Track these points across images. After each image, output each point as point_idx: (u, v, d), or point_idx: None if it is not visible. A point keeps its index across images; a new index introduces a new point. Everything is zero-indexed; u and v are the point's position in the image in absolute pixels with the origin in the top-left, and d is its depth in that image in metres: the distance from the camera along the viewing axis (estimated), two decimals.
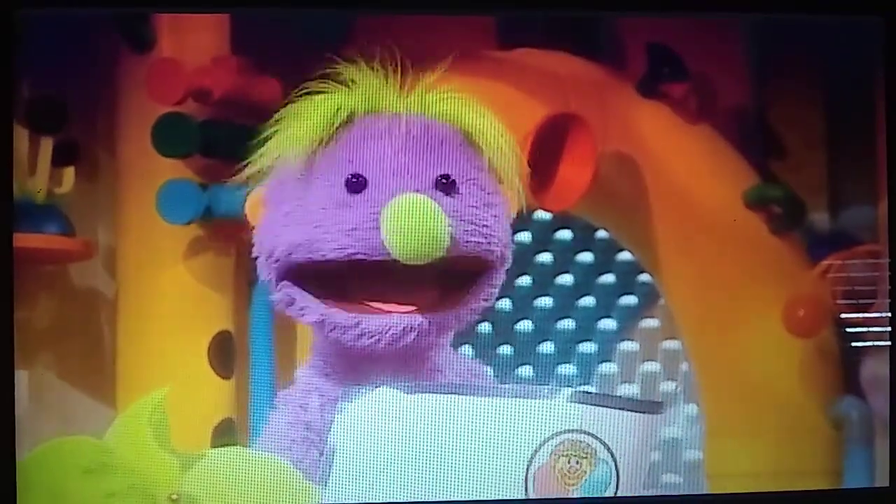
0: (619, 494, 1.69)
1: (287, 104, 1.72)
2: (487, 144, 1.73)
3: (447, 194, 1.69)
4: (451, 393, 1.69)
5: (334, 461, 1.68)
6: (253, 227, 1.74)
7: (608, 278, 1.99)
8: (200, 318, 1.86)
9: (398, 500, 1.69)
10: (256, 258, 1.74)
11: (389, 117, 1.72)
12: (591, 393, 1.73)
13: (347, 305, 1.71)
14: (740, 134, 1.96)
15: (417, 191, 1.67)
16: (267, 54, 1.86)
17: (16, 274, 1.75)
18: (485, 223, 1.71)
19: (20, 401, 1.78)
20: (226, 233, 1.86)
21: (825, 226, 1.97)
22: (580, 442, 1.68)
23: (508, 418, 1.68)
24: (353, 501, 1.69)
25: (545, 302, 1.96)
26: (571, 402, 1.69)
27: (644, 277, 1.97)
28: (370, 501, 1.69)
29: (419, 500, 1.68)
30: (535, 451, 1.67)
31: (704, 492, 1.92)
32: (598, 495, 1.68)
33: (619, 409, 1.69)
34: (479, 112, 1.74)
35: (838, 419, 1.92)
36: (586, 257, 1.98)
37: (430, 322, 1.71)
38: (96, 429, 1.71)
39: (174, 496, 1.67)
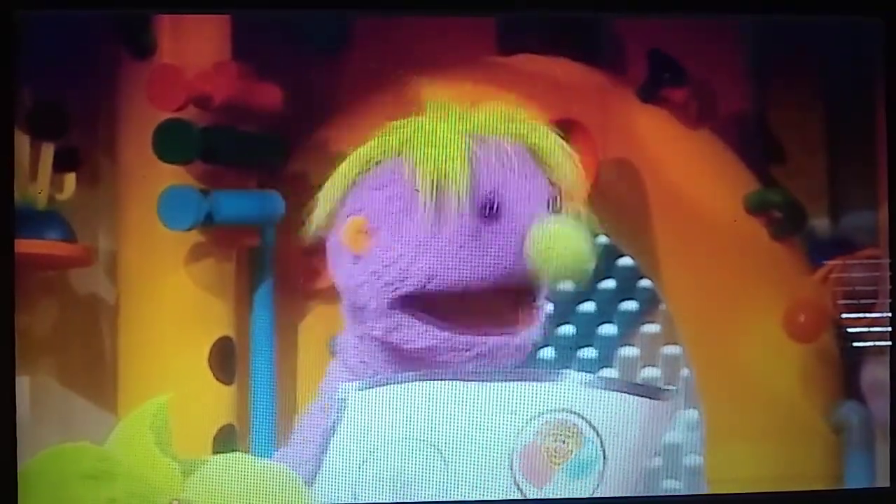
0: (606, 475, 1.69)
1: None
2: (556, 164, 1.76)
3: (556, 212, 1.74)
4: (436, 379, 1.70)
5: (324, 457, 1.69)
6: (359, 256, 1.74)
7: (608, 283, 1.99)
8: (201, 324, 1.86)
9: (397, 501, 1.69)
10: (359, 286, 1.74)
11: (488, 140, 1.73)
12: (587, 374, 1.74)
13: (462, 329, 1.73)
14: (741, 139, 1.97)
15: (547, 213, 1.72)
16: (268, 60, 1.86)
17: (17, 280, 1.75)
18: None
19: (22, 407, 1.78)
20: (227, 239, 1.86)
21: (825, 231, 1.97)
22: (566, 421, 1.69)
23: (494, 398, 1.70)
24: (348, 502, 1.69)
25: (546, 308, 1.96)
26: (559, 382, 1.71)
27: (644, 283, 1.98)
28: (365, 502, 1.69)
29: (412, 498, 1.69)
30: (521, 429, 1.68)
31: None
32: (586, 474, 1.69)
33: (607, 389, 1.71)
34: (544, 130, 1.77)
35: (839, 424, 1.92)
36: None
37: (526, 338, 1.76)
38: (98, 435, 1.72)
39: (175, 502, 1.67)
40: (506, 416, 1.69)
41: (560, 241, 1.69)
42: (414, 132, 1.73)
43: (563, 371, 1.74)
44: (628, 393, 1.71)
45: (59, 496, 1.69)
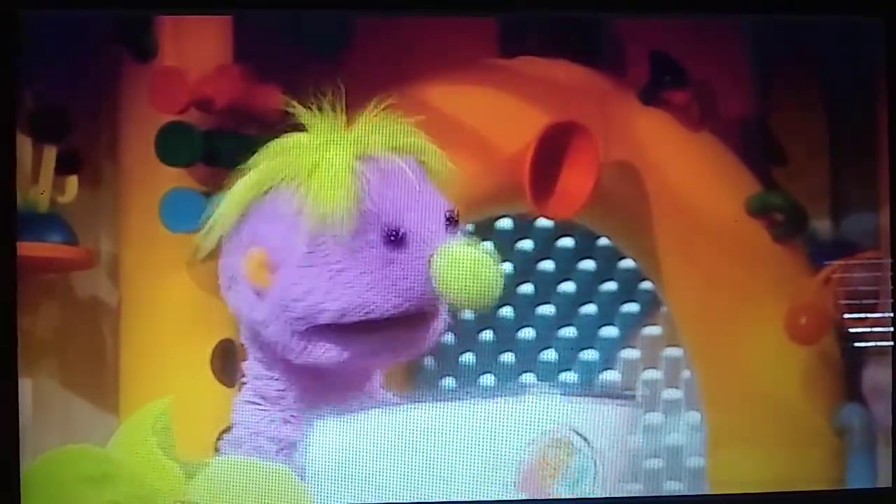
0: (598, 482, 1.69)
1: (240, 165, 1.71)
2: (441, 171, 1.73)
3: (453, 233, 1.70)
4: (427, 401, 1.71)
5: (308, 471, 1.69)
6: (261, 291, 1.70)
7: (610, 286, 1.99)
8: (203, 326, 1.85)
9: (397, 501, 1.70)
10: (264, 320, 1.71)
11: (379, 160, 1.69)
12: (567, 384, 1.76)
13: (371, 333, 1.71)
14: (742, 141, 1.97)
15: (449, 235, 1.68)
16: (269, 62, 1.86)
17: (19, 283, 1.75)
18: None
19: (24, 409, 1.78)
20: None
21: (827, 233, 1.97)
22: (558, 435, 1.68)
23: (489, 420, 1.69)
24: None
25: (547, 310, 1.96)
26: (545, 393, 1.70)
27: (646, 285, 1.98)
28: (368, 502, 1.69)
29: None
30: (518, 448, 1.67)
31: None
32: (580, 485, 1.69)
33: (594, 397, 1.71)
34: (424, 139, 1.73)
35: (840, 426, 1.92)
36: (588, 265, 1.99)
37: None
38: (100, 437, 1.72)
39: None
40: (499, 436, 1.68)
41: (464, 267, 1.65)
42: (299, 155, 1.68)
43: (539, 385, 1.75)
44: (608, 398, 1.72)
45: (61, 498, 1.69)
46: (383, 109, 1.71)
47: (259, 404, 1.76)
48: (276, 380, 1.75)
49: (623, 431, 1.72)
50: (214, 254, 1.75)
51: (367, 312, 1.67)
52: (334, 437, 1.69)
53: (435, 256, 1.65)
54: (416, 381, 1.90)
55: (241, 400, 1.77)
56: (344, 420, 1.70)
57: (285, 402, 1.75)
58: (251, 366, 1.77)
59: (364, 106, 1.71)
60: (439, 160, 1.72)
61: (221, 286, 1.75)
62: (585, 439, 1.68)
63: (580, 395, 1.72)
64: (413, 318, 1.70)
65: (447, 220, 1.70)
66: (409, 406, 1.71)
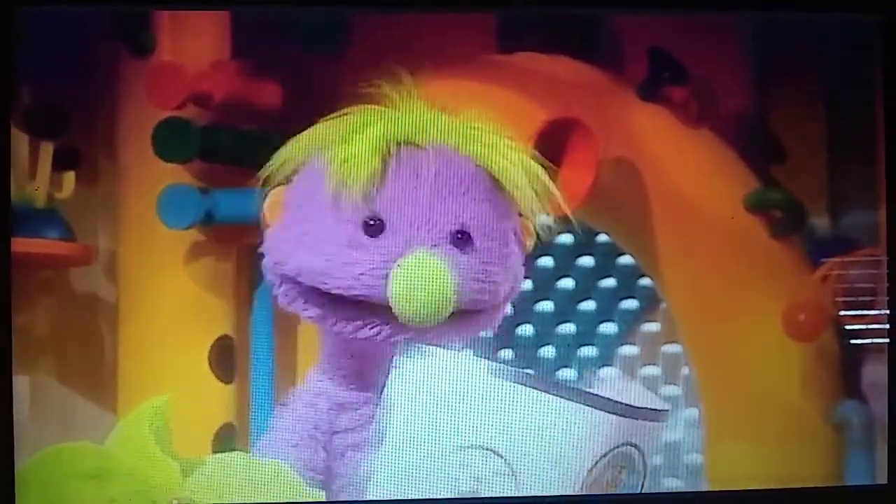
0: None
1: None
2: (516, 188, 1.70)
3: (462, 251, 1.67)
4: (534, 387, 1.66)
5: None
6: (268, 226, 1.71)
7: (609, 282, 1.99)
8: (201, 322, 1.86)
9: (400, 498, 1.69)
10: (263, 255, 1.72)
11: (419, 151, 1.68)
12: (626, 405, 1.69)
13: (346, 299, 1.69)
14: (741, 138, 1.97)
15: (434, 245, 1.65)
16: (267, 58, 1.86)
17: (17, 279, 1.75)
18: (495, 279, 1.70)
19: (21, 406, 1.78)
20: (226, 237, 1.86)
21: (825, 230, 1.98)
22: (625, 453, 1.68)
23: (568, 428, 1.65)
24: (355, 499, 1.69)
25: (546, 306, 1.96)
26: (611, 413, 1.67)
27: (645, 281, 1.98)
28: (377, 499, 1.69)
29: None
30: (594, 464, 1.66)
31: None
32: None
33: (646, 420, 1.69)
34: (512, 152, 1.70)
35: (839, 423, 1.93)
36: (587, 261, 1.99)
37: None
38: (97, 434, 1.71)
39: (175, 501, 1.67)
40: (577, 444, 1.66)
41: (416, 282, 1.63)
42: (353, 122, 1.68)
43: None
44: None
45: (58, 495, 1.69)
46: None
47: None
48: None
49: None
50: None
51: (320, 280, 1.66)
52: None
53: (398, 259, 1.64)
54: None
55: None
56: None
57: None
58: None
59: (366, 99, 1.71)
60: (521, 175, 1.70)
61: None
62: (644, 458, 1.67)
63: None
64: (366, 312, 1.67)
65: (453, 237, 1.67)
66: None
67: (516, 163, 1.70)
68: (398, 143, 1.68)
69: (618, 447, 1.66)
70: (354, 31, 1.91)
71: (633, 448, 1.67)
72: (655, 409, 1.71)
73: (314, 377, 1.75)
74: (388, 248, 1.65)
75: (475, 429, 1.65)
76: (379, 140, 1.66)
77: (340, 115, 1.70)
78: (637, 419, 1.67)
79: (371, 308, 1.67)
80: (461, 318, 1.68)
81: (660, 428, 1.71)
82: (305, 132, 1.70)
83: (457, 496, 1.67)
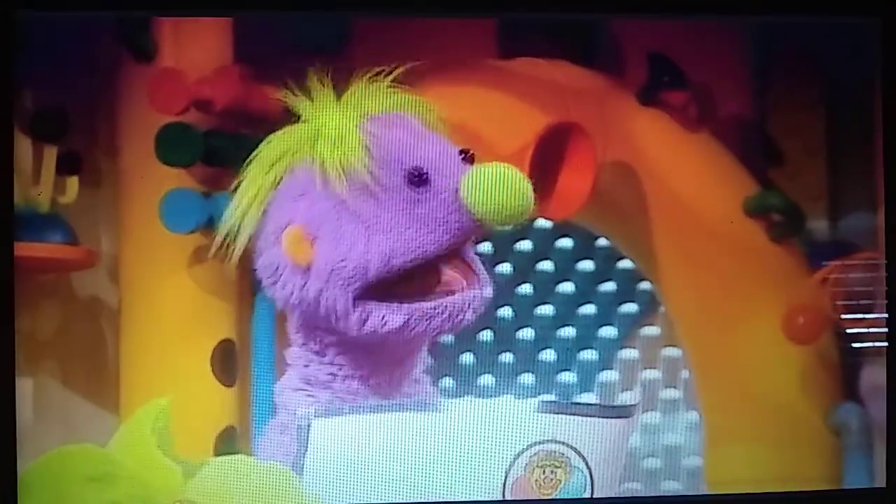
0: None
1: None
2: (433, 123, 1.77)
3: (472, 164, 1.73)
4: (416, 410, 1.71)
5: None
6: (307, 267, 1.72)
7: (609, 286, 1.99)
8: (203, 326, 1.86)
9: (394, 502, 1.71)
10: (319, 293, 1.73)
11: (381, 116, 1.74)
12: (557, 402, 1.75)
13: (424, 297, 1.73)
14: (740, 142, 1.97)
15: (466, 167, 1.71)
16: (268, 63, 1.87)
17: (20, 283, 1.75)
18: None
19: (24, 409, 1.79)
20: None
21: (824, 233, 1.98)
22: (554, 452, 1.69)
23: (481, 431, 1.69)
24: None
25: (546, 310, 1.97)
26: (540, 412, 1.70)
27: (644, 285, 1.98)
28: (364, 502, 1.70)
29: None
30: (511, 463, 1.68)
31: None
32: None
33: (588, 416, 1.70)
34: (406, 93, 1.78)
35: (838, 426, 1.93)
36: (587, 265, 1.99)
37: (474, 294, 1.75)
38: (100, 437, 1.72)
39: None
40: (492, 448, 1.69)
41: (493, 184, 1.69)
42: (298, 134, 1.73)
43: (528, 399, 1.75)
44: (606, 417, 1.72)
45: (61, 498, 1.70)
46: (369, 79, 1.75)
47: (306, 390, 1.77)
48: (328, 364, 1.77)
49: (620, 444, 1.73)
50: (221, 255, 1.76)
51: (411, 253, 1.70)
52: (333, 436, 1.69)
53: (462, 182, 1.69)
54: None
55: (285, 387, 1.78)
56: (341, 420, 1.70)
57: (335, 385, 1.77)
58: (296, 353, 1.78)
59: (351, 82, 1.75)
60: (433, 113, 1.77)
61: (265, 286, 1.77)
62: (583, 456, 1.68)
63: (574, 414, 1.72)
64: (455, 266, 1.73)
65: (462, 157, 1.73)
66: (402, 407, 1.72)
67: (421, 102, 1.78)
68: (362, 117, 1.73)
69: (535, 444, 1.67)
70: (355, 37, 1.92)
71: (560, 445, 1.67)
72: (587, 404, 1.74)
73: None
74: (444, 185, 1.70)
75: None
76: (346, 122, 1.72)
77: (276, 137, 1.75)
78: (562, 414, 1.69)
79: (450, 270, 1.72)
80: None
81: (611, 424, 1.71)
82: (244, 179, 1.74)
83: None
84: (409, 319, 1.72)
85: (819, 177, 2.00)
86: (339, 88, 1.75)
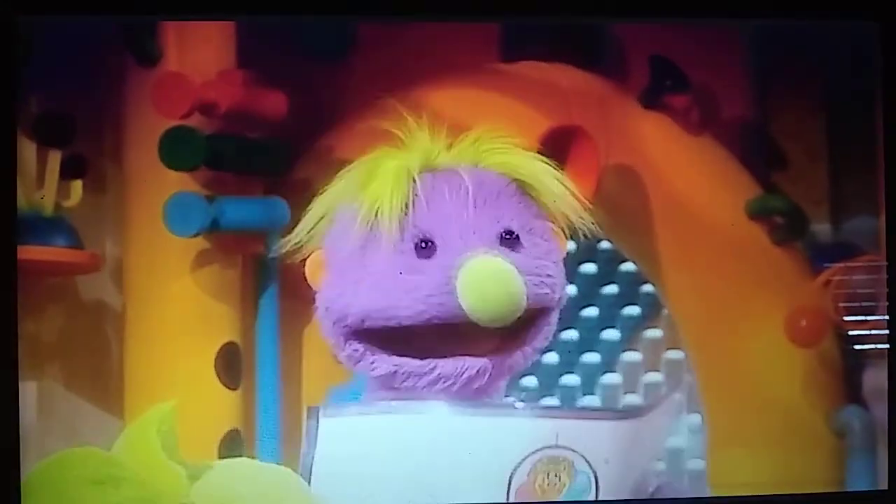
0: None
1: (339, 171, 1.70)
2: (542, 188, 1.70)
3: (512, 249, 1.66)
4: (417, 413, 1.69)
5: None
6: (315, 291, 1.70)
7: (611, 289, 2.00)
8: (207, 329, 1.86)
9: None
10: (320, 319, 1.71)
11: (445, 174, 1.68)
12: (559, 407, 1.74)
13: (419, 355, 1.68)
14: (742, 145, 1.98)
15: (486, 250, 1.64)
16: (273, 67, 1.87)
17: (24, 286, 1.75)
18: (548, 272, 1.69)
19: (28, 412, 1.79)
20: (232, 245, 1.87)
21: (827, 236, 1.99)
22: (557, 456, 1.68)
23: (484, 438, 1.67)
24: None
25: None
26: (543, 416, 1.69)
27: (647, 288, 1.99)
28: None
29: None
30: (514, 468, 1.67)
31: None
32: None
33: (590, 419, 1.69)
34: (528, 157, 1.71)
35: (840, 428, 1.93)
36: (590, 268, 2.00)
37: (500, 364, 1.69)
38: (104, 440, 1.72)
39: None
40: (496, 454, 1.66)
41: (485, 284, 1.62)
42: (370, 167, 1.68)
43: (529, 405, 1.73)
44: (611, 420, 1.70)
45: (64, 501, 1.69)
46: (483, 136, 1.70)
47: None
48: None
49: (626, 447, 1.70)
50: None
51: (386, 317, 1.65)
52: (338, 438, 1.69)
53: (462, 270, 1.63)
54: None
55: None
56: (346, 421, 1.70)
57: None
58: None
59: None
60: (545, 176, 1.70)
61: None
62: (586, 460, 1.67)
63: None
64: (447, 337, 1.67)
65: (501, 239, 1.67)
66: (403, 412, 1.72)
67: (538, 166, 1.70)
68: (419, 171, 1.67)
69: (539, 450, 1.67)
70: (359, 41, 1.92)
71: (563, 450, 1.67)
72: (589, 408, 1.72)
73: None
74: (446, 263, 1.64)
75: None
76: (400, 171, 1.66)
77: (353, 167, 1.70)
78: (564, 419, 1.67)
79: (441, 338, 1.67)
80: (528, 317, 1.67)
81: (615, 427, 1.68)
82: (323, 193, 1.69)
83: None
84: (397, 372, 1.68)
85: (821, 179, 2.00)
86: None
